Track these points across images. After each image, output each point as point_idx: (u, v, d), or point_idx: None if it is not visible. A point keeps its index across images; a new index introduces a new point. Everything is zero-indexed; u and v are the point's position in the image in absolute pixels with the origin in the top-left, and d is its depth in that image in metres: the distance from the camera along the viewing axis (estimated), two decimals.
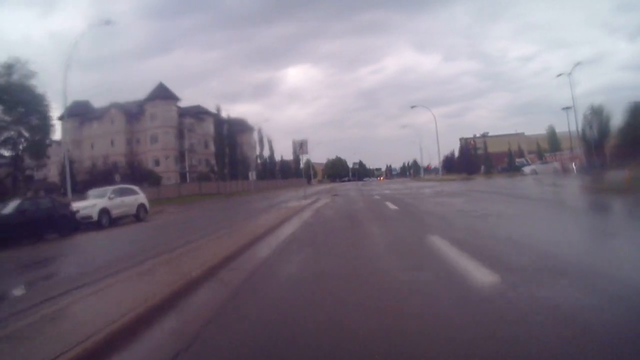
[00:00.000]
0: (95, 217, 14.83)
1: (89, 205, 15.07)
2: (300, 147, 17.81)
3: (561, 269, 3.90)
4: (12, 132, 30.69)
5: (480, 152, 54.57)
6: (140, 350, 2.95)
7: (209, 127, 59.39)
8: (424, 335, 2.68)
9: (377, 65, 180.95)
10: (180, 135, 55.96)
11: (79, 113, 60.10)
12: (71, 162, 52.01)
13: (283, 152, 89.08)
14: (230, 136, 57.83)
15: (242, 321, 3.28)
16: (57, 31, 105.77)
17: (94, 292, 4.57)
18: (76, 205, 14.86)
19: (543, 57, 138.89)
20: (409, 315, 3.10)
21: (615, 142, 31.39)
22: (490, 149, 61.45)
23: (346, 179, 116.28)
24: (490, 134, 75.16)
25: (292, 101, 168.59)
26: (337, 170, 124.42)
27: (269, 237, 8.10)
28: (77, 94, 62.29)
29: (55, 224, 13.05)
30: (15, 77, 28.48)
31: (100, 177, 46.30)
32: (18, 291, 6.02)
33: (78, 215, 14.13)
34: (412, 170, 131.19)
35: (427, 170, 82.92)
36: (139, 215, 17.06)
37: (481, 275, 3.86)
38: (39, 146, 32.33)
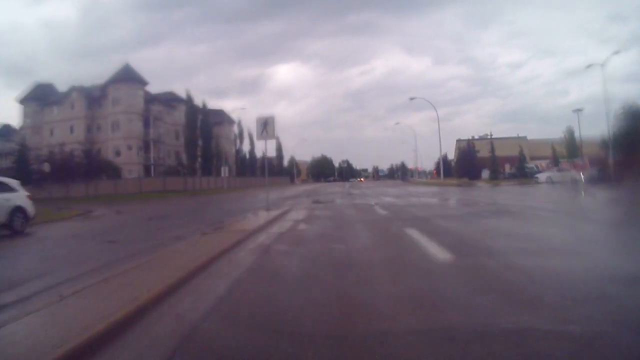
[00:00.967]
0: None
1: None
2: (264, 127, 11.72)
3: None
4: None
5: (483, 155, 49.01)
6: None
7: (181, 116, 52.75)
8: None
9: (366, 66, 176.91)
10: (147, 123, 49.24)
11: (40, 96, 53.20)
12: (28, 150, 45.86)
13: (267, 149, 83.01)
14: (205, 127, 51.18)
15: None
16: (49, 19, 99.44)
17: None
18: None
19: (532, 64, 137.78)
20: None
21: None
22: (485, 154, 56.06)
23: (332, 178, 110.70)
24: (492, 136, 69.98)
25: (279, 99, 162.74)
26: (322, 170, 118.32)
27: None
28: (59, 84, 54.13)
29: None
30: None
31: (56, 167, 39.80)
32: None
33: None
34: (400, 173, 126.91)
35: (420, 173, 77.71)
36: (12, 223, 10.97)
37: None
38: None
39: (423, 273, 4.47)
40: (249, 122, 68.64)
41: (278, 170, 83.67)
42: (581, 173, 31.49)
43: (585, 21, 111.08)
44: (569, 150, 43.72)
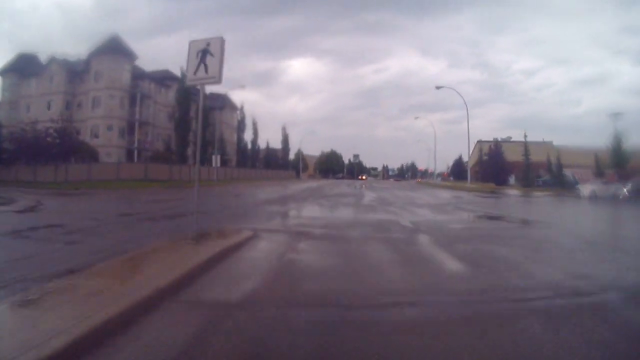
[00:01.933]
0: None
1: None
2: (201, 59, 5.18)
3: None
4: None
5: (513, 159, 42.43)
6: None
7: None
8: None
9: (380, 65, 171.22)
10: (133, 101, 43.59)
11: (21, 68, 47.92)
12: (2, 126, 40.73)
13: (274, 141, 77.68)
14: (202, 110, 45.20)
15: None
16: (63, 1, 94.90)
17: None
18: None
19: (545, 72, 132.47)
20: None
21: None
22: (510, 158, 49.10)
23: (340, 175, 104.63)
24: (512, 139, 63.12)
25: (292, 93, 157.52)
26: (331, 165, 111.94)
27: None
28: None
29: None
30: None
31: (25, 146, 34.46)
32: None
33: None
34: (409, 173, 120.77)
35: (444, 177, 71.39)
36: None
37: None
38: None
39: None
40: (259, 114, 62.88)
41: (283, 164, 77.75)
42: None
43: (600, 32, 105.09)
44: (616, 159, 36.55)
